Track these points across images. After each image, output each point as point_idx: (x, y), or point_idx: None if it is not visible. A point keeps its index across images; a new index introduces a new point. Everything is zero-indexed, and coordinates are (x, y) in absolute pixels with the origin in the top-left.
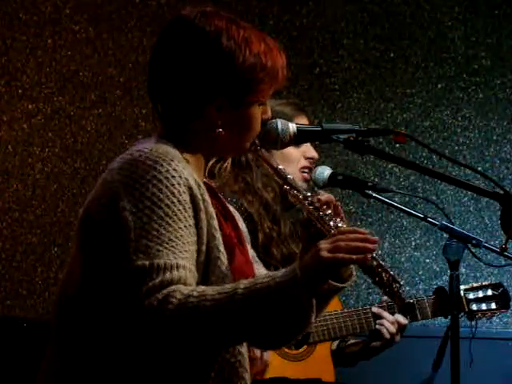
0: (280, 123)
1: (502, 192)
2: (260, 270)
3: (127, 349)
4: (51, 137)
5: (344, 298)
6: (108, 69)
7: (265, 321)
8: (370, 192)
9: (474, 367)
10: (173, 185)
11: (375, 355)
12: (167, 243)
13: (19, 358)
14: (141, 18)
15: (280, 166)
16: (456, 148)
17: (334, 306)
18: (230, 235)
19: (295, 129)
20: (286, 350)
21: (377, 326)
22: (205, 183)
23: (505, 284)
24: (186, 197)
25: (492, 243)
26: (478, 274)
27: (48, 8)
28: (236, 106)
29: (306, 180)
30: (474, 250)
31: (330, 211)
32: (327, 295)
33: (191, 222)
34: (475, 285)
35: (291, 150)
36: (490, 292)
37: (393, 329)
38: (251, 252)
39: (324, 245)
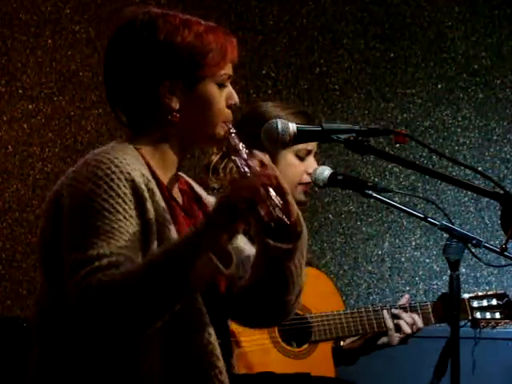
0: (280, 123)
1: (502, 192)
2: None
3: (91, 346)
4: (51, 137)
5: (344, 298)
6: None
7: (177, 274)
8: (370, 192)
9: (469, 366)
10: (112, 179)
11: (378, 350)
12: (102, 234)
13: (19, 358)
14: None
15: (242, 144)
16: (456, 148)
17: (338, 306)
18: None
19: (295, 129)
20: (288, 347)
21: (396, 322)
22: (183, 180)
23: (505, 284)
24: (125, 190)
25: (492, 243)
26: (477, 274)
27: (48, 8)
28: (189, 85)
29: (305, 192)
30: (473, 250)
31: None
32: (277, 256)
33: (132, 213)
34: (480, 293)
35: (295, 162)
36: (494, 302)
37: (408, 330)
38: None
39: (225, 191)
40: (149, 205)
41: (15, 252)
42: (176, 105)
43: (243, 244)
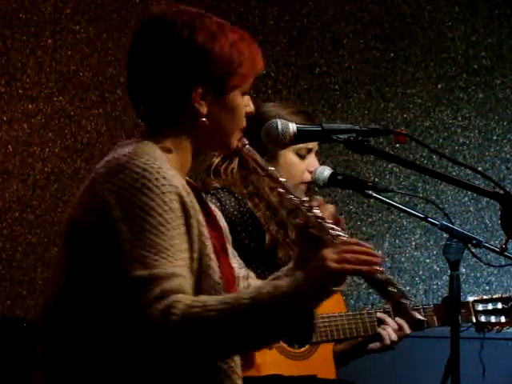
0: (280, 123)
1: (502, 192)
2: (243, 270)
3: (116, 357)
4: (51, 137)
5: (344, 298)
6: (108, 69)
7: (268, 330)
8: (370, 192)
9: (473, 367)
10: (163, 193)
11: (367, 355)
12: (163, 252)
13: (19, 358)
14: None
15: (271, 168)
16: (456, 148)
17: (339, 307)
18: (213, 243)
19: (295, 129)
20: (288, 348)
21: (379, 330)
22: (188, 183)
23: (505, 284)
24: (176, 204)
25: (492, 243)
26: (478, 274)
27: (48, 8)
28: (219, 92)
29: (307, 191)
30: (473, 250)
31: (329, 220)
32: None
33: (183, 229)
34: (485, 297)
35: (296, 160)
36: (499, 305)
37: (394, 337)
38: (230, 249)
39: (329, 254)
40: (193, 222)
41: (15, 252)
42: (204, 110)
43: (235, 264)
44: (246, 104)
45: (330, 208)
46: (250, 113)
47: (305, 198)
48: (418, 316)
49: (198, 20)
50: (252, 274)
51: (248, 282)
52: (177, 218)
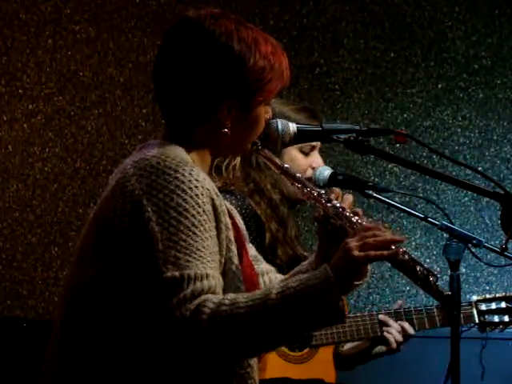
0: (280, 123)
1: (502, 192)
2: (261, 265)
3: (137, 355)
4: (51, 137)
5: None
6: (108, 69)
7: (299, 324)
8: (371, 192)
9: (473, 367)
10: (197, 195)
11: (374, 359)
12: (195, 253)
13: (19, 357)
14: (141, 18)
15: (286, 165)
16: (456, 148)
17: None
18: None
19: (295, 129)
20: (288, 351)
21: (384, 334)
22: None
23: (505, 284)
24: (209, 207)
25: (492, 243)
26: (478, 274)
27: (48, 8)
28: (245, 106)
29: None
30: (474, 250)
31: (348, 210)
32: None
33: (214, 232)
34: (488, 296)
35: (299, 157)
36: (503, 304)
37: (400, 338)
38: (252, 251)
39: (353, 243)
40: (222, 226)
41: (15, 252)
42: (228, 123)
43: (263, 265)
44: (266, 112)
45: (349, 198)
46: (268, 119)
47: (322, 191)
48: (447, 292)
49: (234, 31)
50: (272, 268)
51: (269, 276)
52: (209, 220)
